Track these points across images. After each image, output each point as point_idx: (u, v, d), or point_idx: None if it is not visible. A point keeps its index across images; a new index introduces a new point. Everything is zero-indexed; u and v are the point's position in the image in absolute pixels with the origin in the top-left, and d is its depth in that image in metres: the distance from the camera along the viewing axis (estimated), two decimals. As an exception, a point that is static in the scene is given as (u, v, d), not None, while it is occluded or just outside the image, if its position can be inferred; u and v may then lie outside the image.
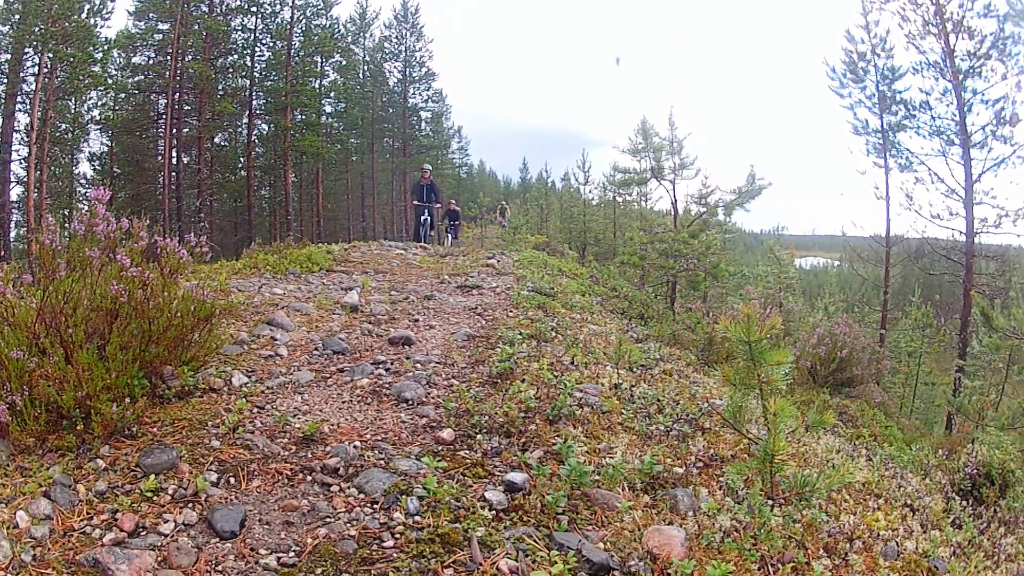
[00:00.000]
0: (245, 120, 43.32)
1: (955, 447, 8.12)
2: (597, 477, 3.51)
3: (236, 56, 42.52)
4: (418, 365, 5.35)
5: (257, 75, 42.90)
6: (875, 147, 24.12)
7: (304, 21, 43.41)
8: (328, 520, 2.94)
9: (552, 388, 4.85)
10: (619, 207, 48.00)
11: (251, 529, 2.85)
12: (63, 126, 36.80)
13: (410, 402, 4.52)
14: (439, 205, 22.77)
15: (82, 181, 39.86)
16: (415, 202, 22.17)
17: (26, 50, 28.90)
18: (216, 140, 44.55)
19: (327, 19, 45.23)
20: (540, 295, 8.79)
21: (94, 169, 41.44)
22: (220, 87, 41.43)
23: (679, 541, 2.93)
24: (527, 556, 2.77)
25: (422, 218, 21.93)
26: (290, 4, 42.12)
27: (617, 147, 32.77)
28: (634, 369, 6.22)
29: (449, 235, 26.99)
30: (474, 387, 4.88)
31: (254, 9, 41.26)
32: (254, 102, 42.96)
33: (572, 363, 5.78)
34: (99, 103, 39.64)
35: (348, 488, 3.23)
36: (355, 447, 3.68)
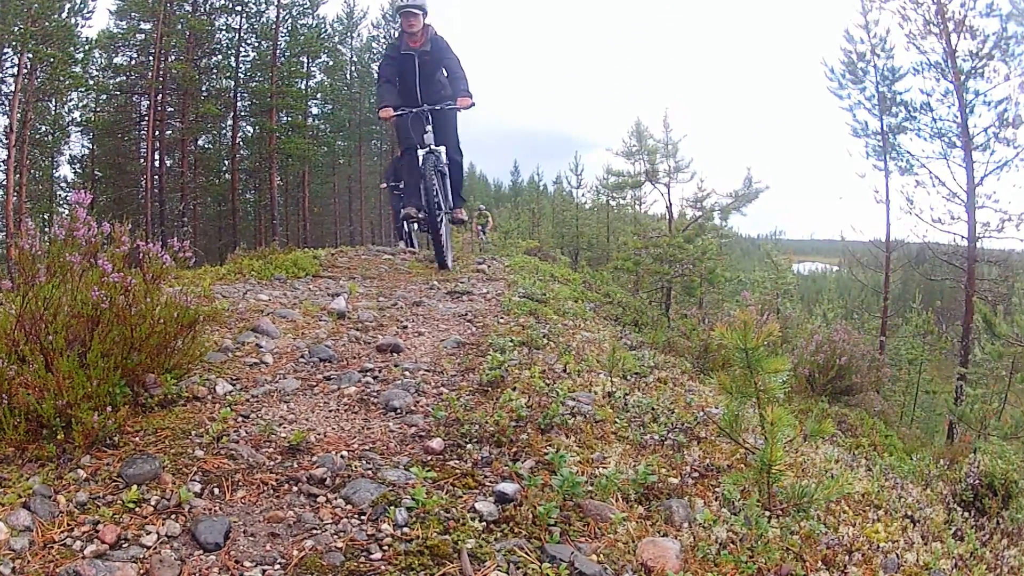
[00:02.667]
0: (229, 122, 43.42)
1: (957, 457, 8.16)
2: (590, 488, 3.52)
3: (220, 56, 42.67)
4: (407, 373, 5.35)
5: (242, 76, 43.03)
6: (875, 149, 24.29)
7: (290, 20, 43.58)
8: (314, 532, 2.94)
9: (544, 396, 4.86)
10: (613, 211, 48.22)
11: (236, 541, 2.85)
12: (43, 128, 36.86)
13: (398, 411, 4.52)
14: (469, 101, 9.79)
15: (62, 184, 39.95)
16: (386, 107, 9.73)
17: (5, 50, 28.94)
18: (200, 142, 44.67)
19: (313, 18, 45.46)
20: (532, 301, 8.79)
21: (75, 172, 41.57)
22: (204, 88, 41.54)
23: (674, 553, 2.94)
24: (518, 569, 2.77)
25: (422, 153, 10.00)
26: (275, 3, 42.32)
27: (611, 149, 33.09)
28: (628, 377, 6.23)
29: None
30: (464, 395, 4.88)
31: (239, 8, 41.32)
32: (239, 103, 43.10)
33: (564, 371, 5.79)
34: (80, 104, 39.79)
35: (335, 499, 3.23)
36: (342, 457, 3.68)
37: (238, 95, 42.66)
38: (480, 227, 33.25)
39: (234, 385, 4.77)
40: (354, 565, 2.72)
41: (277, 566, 2.69)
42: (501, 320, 7.64)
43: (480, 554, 2.83)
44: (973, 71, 19.99)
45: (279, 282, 8.90)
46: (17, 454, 3.31)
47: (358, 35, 57.12)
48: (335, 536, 2.92)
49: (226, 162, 45.25)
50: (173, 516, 2.96)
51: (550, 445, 4.08)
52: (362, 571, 2.68)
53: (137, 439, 3.65)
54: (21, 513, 2.80)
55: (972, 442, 11.70)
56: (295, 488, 3.33)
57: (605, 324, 10.03)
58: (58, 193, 38.52)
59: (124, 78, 40.03)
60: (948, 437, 17.82)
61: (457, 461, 3.82)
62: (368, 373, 5.29)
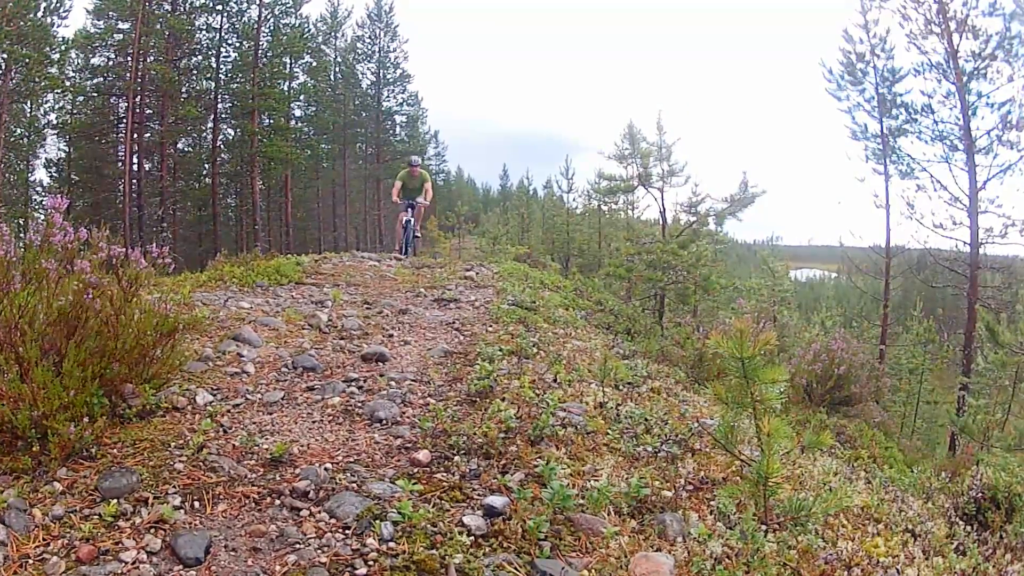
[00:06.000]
0: (210, 124, 43.21)
1: (959, 469, 8.17)
2: (581, 501, 3.53)
3: (201, 57, 42.40)
4: (392, 383, 5.35)
5: (223, 77, 42.81)
6: (874, 153, 24.32)
7: (272, 20, 43.38)
8: (297, 546, 2.94)
9: (534, 407, 4.87)
10: (605, 216, 48.17)
11: (216, 556, 2.85)
12: (18, 131, 36.63)
13: (384, 422, 4.52)
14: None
15: (38, 189, 39.60)
16: None
17: (-22, 50, 28.73)
18: (179, 146, 44.38)
19: (296, 18, 45.19)
20: (521, 309, 8.81)
21: (51, 176, 41.21)
22: (184, 90, 41.27)
23: (668, 568, 2.95)
24: (508, 584, 2.77)
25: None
26: (257, 2, 42.09)
27: (602, 153, 32.87)
28: (620, 387, 6.24)
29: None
30: (451, 406, 4.89)
31: (220, 7, 41.17)
32: (219, 105, 42.86)
33: (555, 381, 5.79)
34: (56, 106, 39.43)
35: (319, 512, 3.23)
36: (326, 469, 3.68)
37: (219, 97, 42.46)
38: (408, 208, 16.79)
39: (215, 395, 4.77)
40: (338, 581, 2.72)
41: (259, 582, 2.69)
42: (490, 328, 7.65)
43: (468, 569, 2.83)
44: (976, 72, 20.03)
45: (261, 289, 8.89)
46: (-9, 467, 3.30)
47: (342, 35, 57.04)
48: (319, 551, 2.92)
49: (206, 166, 45.06)
50: (152, 530, 2.95)
51: (540, 457, 4.08)
52: (347, 587, 2.68)
53: (115, 451, 3.64)
54: (-5, 528, 2.80)
55: (975, 454, 11.71)
56: (278, 501, 3.33)
57: (597, 332, 10.05)
58: (34, 198, 38.27)
59: (101, 79, 39.77)
60: (950, 449, 17.82)
61: (444, 473, 3.83)
62: (353, 383, 5.29)
